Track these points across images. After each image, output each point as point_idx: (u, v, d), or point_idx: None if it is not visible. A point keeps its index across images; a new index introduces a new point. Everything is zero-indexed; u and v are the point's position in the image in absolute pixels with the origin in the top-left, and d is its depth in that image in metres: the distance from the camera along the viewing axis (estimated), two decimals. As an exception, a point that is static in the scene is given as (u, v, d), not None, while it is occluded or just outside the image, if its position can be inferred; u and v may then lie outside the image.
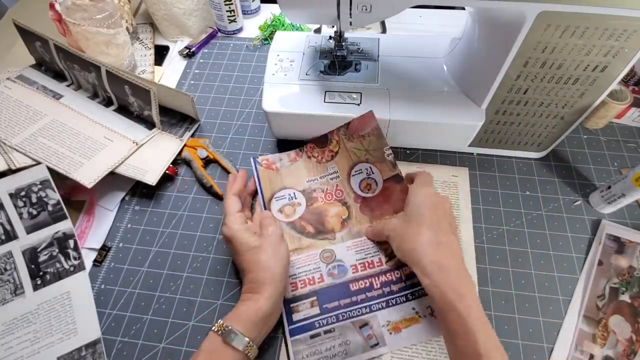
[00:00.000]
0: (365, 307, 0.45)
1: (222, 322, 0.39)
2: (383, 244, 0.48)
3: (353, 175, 0.52)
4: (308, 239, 0.49)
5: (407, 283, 0.46)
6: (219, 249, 0.51)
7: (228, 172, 0.57)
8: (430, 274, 0.37)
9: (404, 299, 0.45)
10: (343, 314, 0.44)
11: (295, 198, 0.52)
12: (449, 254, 0.39)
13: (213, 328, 0.38)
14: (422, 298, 0.45)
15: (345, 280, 0.46)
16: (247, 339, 0.38)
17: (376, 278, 0.46)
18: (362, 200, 0.51)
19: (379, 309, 0.45)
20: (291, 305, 0.45)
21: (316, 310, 0.45)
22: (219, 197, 0.55)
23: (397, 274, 0.47)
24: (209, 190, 0.56)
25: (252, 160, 0.54)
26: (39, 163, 0.50)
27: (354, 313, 0.44)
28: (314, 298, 0.45)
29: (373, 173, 0.52)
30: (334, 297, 0.45)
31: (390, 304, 0.45)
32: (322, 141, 0.54)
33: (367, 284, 0.46)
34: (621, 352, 0.43)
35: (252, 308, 0.39)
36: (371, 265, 0.47)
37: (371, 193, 0.51)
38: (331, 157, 0.53)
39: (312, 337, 0.43)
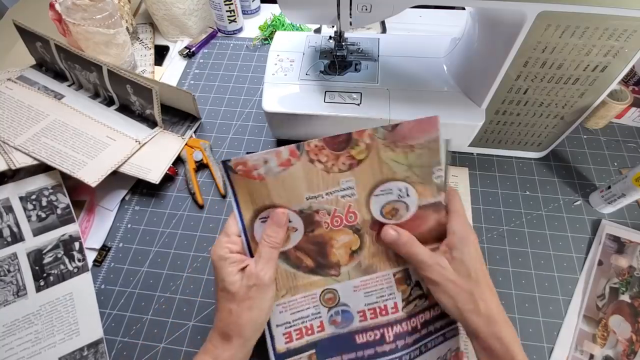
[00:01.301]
0: None
1: None
2: (401, 278, 0.38)
3: (376, 195, 0.36)
4: (305, 274, 0.38)
5: (422, 332, 0.37)
6: (219, 249, 0.51)
7: (214, 181, 0.57)
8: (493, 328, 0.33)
9: (417, 353, 0.37)
10: None
11: (290, 221, 0.36)
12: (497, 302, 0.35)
13: None
14: (434, 349, 0.38)
15: (350, 331, 0.37)
16: None
17: (389, 329, 0.37)
18: (379, 229, 0.37)
19: None
20: None
21: None
22: (199, 206, 0.55)
23: (413, 322, 0.37)
24: (192, 195, 0.56)
25: (220, 165, 0.39)
26: (41, 163, 0.50)
27: None
28: (312, 351, 0.37)
29: (408, 195, 0.36)
30: (335, 350, 0.37)
31: None
32: (339, 142, 0.35)
33: (378, 337, 0.37)
34: (621, 352, 0.43)
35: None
36: (383, 312, 0.37)
37: (395, 220, 0.37)
38: (349, 167, 0.36)
39: None
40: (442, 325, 0.38)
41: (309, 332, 0.37)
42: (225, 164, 0.34)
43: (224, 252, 0.34)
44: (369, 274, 0.38)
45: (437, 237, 0.37)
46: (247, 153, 0.36)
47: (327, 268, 0.38)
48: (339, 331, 0.38)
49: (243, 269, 0.34)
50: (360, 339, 0.37)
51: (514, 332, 0.34)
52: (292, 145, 0.35)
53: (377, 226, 0.37)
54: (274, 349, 0.37)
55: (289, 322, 0.38)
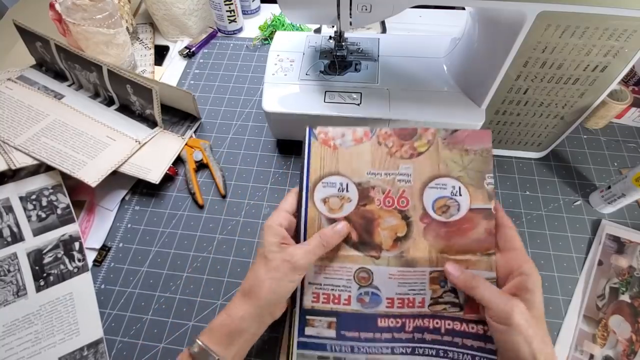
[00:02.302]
0: (388, 347, 0.37)
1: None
2: (435, 277, 0.38)
3: (431, 188, 0.39)
4: (348, 247, 0.39)
5: (445, 338, 0.37)
6: (219, 249, 0.51)
7: (214, 181, 0.57)
8: None
9: (434, 353, 0.37)
10: (360, 347, 0.38)
11: (347, 191, 0.39)
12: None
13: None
14: None
15: (374, 313, 0.38)
16: (214, 355, 0.35)
17: (411, 320, 0.38)
18: (431, 223, 0.39)
19: (403, 353, 0.37)
20: (307, 317, 0.39)
21: (332, 333, 0.38)
22: (199, 206, 0.55)
23: (437, 323, 0.37)
24: (192, 195, 0.56)
25: (307, 129, 0.42)
26: (41, 163, 0.50)
27: (372, 349, 0.37)
28: (334, 319, 0.38)
29: (460, 195, 0.39)
30: (355, 326, 0.38)
31: (417, 352, 0.37)
32: (406, 133, 0.40)
33: (399, 324, 0.38)
34: (621, 352, 0.43)
35: (224, 323, 0.36)
36: (410, 304, 0.38)
37: (445, 218, 0.38)
38: (410, 156, 0.40)
39: (319, 357, 0.38)
40: (474, 346, 0.37)
41: (336, 301, 0.39)
42: (310, 129, 0.41)
43: (274, 222, 0.38)
44: (407, 267, 0.38)
45: (484, 247, 0.38)
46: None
47: (370, 247, 0.39)
48: (364, 310, 0.38)
49: (283, 243, 0.37)
50: (381, 323, 0.38)
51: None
52: (367, 127, 0.41)
53: (429, 219, 0.39)
54: (301, 302, 0.39)
55: (320, 285, 0.39)
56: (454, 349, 0.37)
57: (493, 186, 0.39)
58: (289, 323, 0.39)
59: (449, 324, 0.38)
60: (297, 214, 0.40)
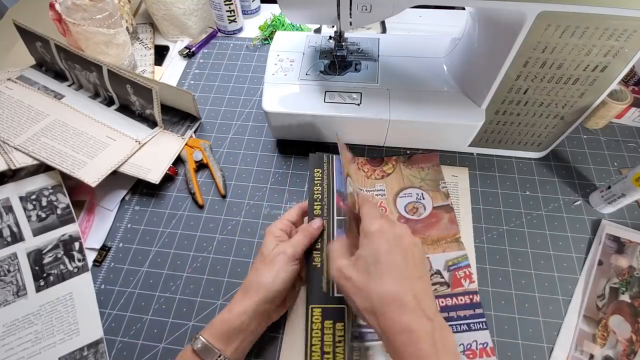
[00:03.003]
0: None
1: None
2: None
3: (401, 197, 0.53)
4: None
5: (442, 316, 0.40)
6: (219, 249, 0.51)
7: (214, 181, 0.57)
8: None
9: None
10: None
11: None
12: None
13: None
14: (455, 335, 0.43)
15: None
16: (216, 350, 0.36)
17: None
18: (406, 222, 0.51)
19: None
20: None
21: None
22: (199, 206, 0.55)
23: None
24: (192, 195, 0.56)
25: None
26: (41, 163, 0.50)
27: None
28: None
29: (424, 198, 0.53)
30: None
31: None
32: (376, 161, 0.56)
33: None
34: (621, 352, 0.43)
35: (224, 319, 0.38)
36: None
37: (417, 216, 0.51)
38: (382, 177, 0.55)
39: (366, 347, 0.42)
40: (467, 315, 0.44)
41: None
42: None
43: (274, 227, 0.43)
44: None
45: (452, 233, 0.50)
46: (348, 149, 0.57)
47: None
48: None
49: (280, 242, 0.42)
50: None
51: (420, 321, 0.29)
52: (352, 154, 0.57)
53: (403, 219, 0.52)
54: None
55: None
56: (452, 323, 0.44)
57: (447, 189, 0.53)
58: (306, 325, 0.41)
59: (442, 302, 0.45)
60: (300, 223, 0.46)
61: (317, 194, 0.47)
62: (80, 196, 0.55)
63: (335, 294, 0.42)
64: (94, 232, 0.53)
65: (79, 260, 0.49)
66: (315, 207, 0.46)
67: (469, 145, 0.56)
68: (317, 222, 0.45)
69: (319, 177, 0.49)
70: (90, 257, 0.51)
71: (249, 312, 0.38)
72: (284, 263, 0.40)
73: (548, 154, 0.57)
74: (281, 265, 0.40)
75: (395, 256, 0.32)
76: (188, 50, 0.72)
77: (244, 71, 0.70)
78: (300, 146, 0.59)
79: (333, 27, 0.50)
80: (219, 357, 0.36)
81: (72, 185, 0.53)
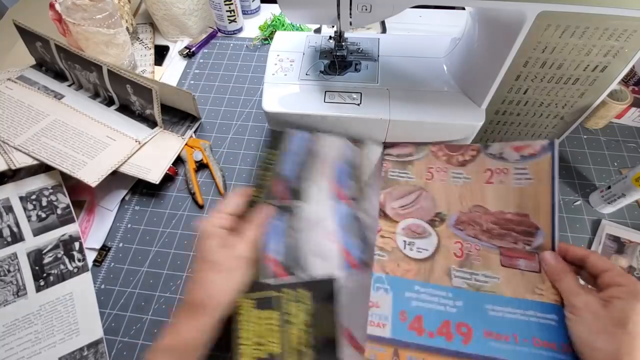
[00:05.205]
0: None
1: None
2: None
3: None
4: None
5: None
6: (219, 249, 0.51)
7: (214, 181, 0.57)
8: None
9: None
10: None
11: None
12: None
13: None
14: None
15: None
16: None
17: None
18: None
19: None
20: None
21: None
22: (199, 206, 0.55)
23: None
24: (192, 195, 0.55)
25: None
26: (41, 163, 0.50)
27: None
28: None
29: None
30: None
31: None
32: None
33: None
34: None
35: (174, 347, 0.33)
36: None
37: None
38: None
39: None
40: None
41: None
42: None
43: (211, 225, 0.37)
44: None
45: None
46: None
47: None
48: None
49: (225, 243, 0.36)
50: None
51: None
52: None
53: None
54: None
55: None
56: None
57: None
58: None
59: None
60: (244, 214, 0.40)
61: (266, 179, 0.43)
62: (80, 196, 0.55)
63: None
64: (94, 232, 0.53)
65: (79, 260, 0.49)
66: (258, 193, 0.42)
67: (469, 145, 0.56)
68: (265, 210, 0.39)
69: (271, 159, 0.44)
70: (90, 257, 0.51)
71: (205, 331, 0.33)
72: (246, 268, 0.35)
73: (548, 154, 0.57)
74: (243, 271, 0.35)
75: None
76: (188, 50, 0.72)
77: (244, 71, 0.70)
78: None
79: (333, 27, 0.50)
80: None
81: (72, 185, 0.53)
